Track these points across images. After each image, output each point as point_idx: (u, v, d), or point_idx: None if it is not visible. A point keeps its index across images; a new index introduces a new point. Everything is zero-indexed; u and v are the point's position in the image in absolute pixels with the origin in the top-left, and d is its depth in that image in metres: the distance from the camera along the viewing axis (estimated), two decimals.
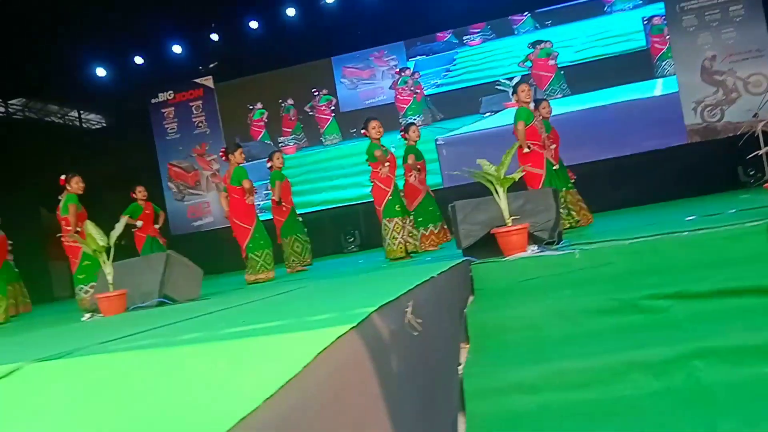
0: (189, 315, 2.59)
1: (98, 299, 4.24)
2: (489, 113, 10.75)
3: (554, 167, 5.69)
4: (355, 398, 1.37)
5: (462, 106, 10.84)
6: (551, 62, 10.57)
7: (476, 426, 2.46)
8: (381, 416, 1.47)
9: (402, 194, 6.16)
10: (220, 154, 6.57)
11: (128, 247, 6.38)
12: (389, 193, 5.76)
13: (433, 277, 2.45)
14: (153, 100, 12.11)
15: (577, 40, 10.53)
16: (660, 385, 2.41)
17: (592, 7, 10.43)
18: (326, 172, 11.34)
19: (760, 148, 6.79)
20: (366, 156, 5.87)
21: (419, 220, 6.44)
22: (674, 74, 10.00)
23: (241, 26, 11.34)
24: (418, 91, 11.17)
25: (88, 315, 4.51)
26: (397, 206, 5.77)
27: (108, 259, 4.19)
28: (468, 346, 3.05)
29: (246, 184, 6.03)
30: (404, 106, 11.17)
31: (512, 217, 3.80)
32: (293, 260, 7.07)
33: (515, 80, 10.43)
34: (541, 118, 5.94)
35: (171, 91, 12.00)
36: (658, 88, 10.12)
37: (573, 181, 6.18)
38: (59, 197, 6.28)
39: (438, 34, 11.12)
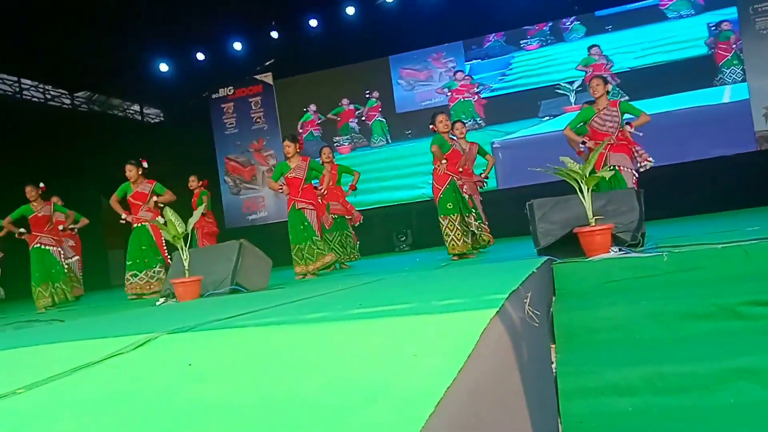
0: (281, 300, 2.60)
1: (174, 284, 4.33)
2: (548, 117, 10.67)
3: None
4: (506, 381, 1.34)
5: (520, 110, 10.78)
6: (608, 67, 10.40)
7: (573, 424, 2.40)
8: (521, 402, 1.44)
9: (462, 191, 6.08)
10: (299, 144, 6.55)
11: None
12: (441, 191, 5.71)
13: (533, 272, 2.40)
14: (213, 96, 12.35)
15: (637, 46, 10.40)
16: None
17: (652, 13, 10.30)
18: (379, 173, 11.37)
19: None
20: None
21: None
22: (740, 81, 9.69)
23: (301, 24, 11.47)
24: (468, 94, 11.15)
25: (162, 299, 4.61)
26: (449, 204, 5.69)
27: (186, 245, 4.27)
28: (554, 345, 2.99)
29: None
30: (451, 104, 11.19)
31: (595, 217, 3.71)
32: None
33: (576, 84, 10.35)
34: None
35: (231, 87, 12.23)
36: (726, 95, 9.81)
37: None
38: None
39: (492, 36, 11.10)
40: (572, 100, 10.48)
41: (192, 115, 12.50)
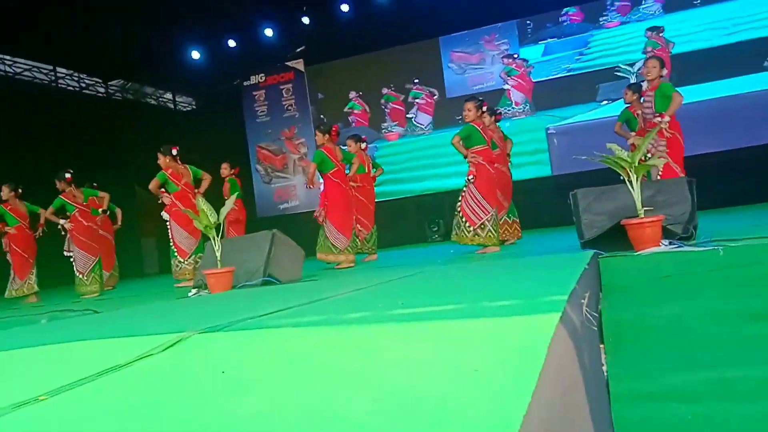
0: (316, 296, 2.49)
1: (206, 275, 4.26)
2: (606, 101, 10.08)
3: None
4: (573, 396, 1.20)
5: (576, 94, 10.22)
6: (668, 50, 9.80)
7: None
8: (586, 416, 1.30)
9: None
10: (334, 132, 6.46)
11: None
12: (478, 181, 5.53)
13: (586, 268, 2.24)
14: (245, 83, 12.31)
15: (698, 28, 9.73)
16: None
17: None
18: (417, 161, 11.19)
19: None
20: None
21: None
22: None
23: (333, 9, 11.32)
24: (521, 81, 10.73)
25: (194, 290, 4.56)
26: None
27: (218, 235, 4.19)
28: (603, 345, 2.83)
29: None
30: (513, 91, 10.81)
31: (644, 209, 3.51)
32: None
33: (636, 65, 9.76)
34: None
35: (262, 74, 12.17)
36: None
37: None
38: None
39: (562, 15, 10.51)
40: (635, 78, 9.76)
41: (223, 102, 12.49)
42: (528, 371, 0.95)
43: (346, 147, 7.06)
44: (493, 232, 5.40)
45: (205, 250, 4.95)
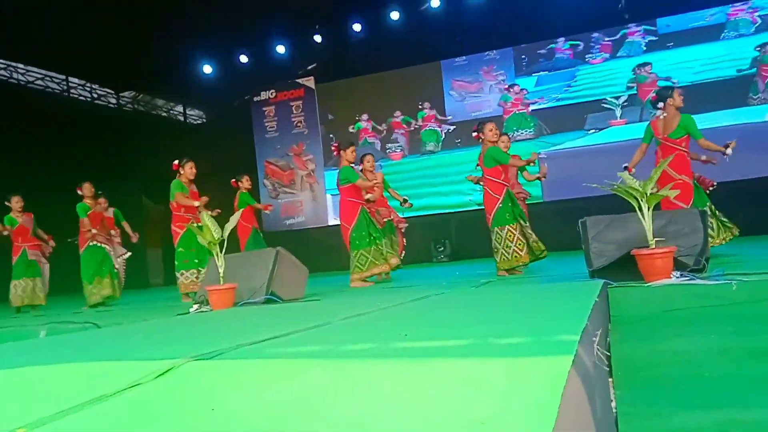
0: (318, 320, 2.42)
1: (208, 292, 4.21)
2: (593, 130, 10.86)
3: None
4: None
5: (566, 122, 10.97)
6: (655, 85, 10.35)
7: None
8: None
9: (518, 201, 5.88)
10: (333, 148, 6.49)
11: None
12: (500, 200, 5.51)
13: (596, 301, 2.16)
14: (255, 98, 12.36)
15: (695, 63, 10.45)
16: None
17: (711, 31, 10.31)
18: (425, 179, 11.38)
19: None
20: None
21: None
22: None
23: (345, 29, 11.39)
24: (521, 106, 11.33)
25: (195, 306, 4.50)
26: (507, 214, 5.51)
27: (221, 251, 4.14)
28: (611, 379, 2.74)
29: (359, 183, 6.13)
30: (506, 116, 11.39)
31: (655, 239, 3.43)
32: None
33: (621, 99, 10.66)
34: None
35: (273, 90, 12.23)
36: None
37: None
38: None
39: (555, 44, 11.18)
40: (617, 115, 10.67)
41: (234, 117, 12.53)
42: (539, 426, 0.88)
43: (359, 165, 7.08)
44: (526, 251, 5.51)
45: (208, 265, 4.90)
